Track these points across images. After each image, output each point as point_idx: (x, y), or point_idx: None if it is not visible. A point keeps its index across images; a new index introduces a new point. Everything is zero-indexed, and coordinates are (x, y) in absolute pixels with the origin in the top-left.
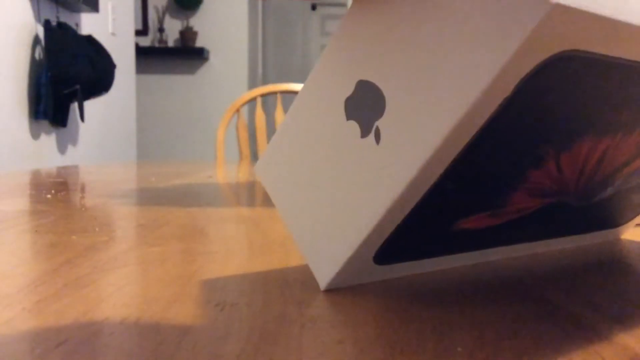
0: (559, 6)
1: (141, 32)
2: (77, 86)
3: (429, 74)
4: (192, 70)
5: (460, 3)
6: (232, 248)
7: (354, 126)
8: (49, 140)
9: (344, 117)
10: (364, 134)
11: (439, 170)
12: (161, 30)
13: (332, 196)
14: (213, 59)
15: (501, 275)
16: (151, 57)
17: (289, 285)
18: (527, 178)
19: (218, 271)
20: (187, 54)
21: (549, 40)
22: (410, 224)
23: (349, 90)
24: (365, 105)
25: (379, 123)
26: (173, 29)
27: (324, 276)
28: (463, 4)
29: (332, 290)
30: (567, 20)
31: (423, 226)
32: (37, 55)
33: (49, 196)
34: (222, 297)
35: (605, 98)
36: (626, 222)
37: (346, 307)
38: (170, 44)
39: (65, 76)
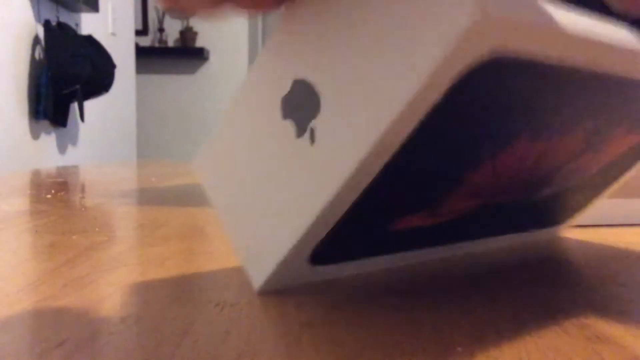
0: (485, 14)
1: (141, 32)
2: (77, 86)
3: (362, 74)
4: (192, 70)
5: (394, 5)
6: (232, 248)
7: (289, 126)
8: (49, 140)
9: (280, 116)
10: (299, 133)
11: (374, 171)
12: (161, 30)
13: (267, 196)
14: (213, 59)
15: (501, 275)
16: (151, 57)
17: (289, 286)
18: (464, 179)
19: (218, 271)
20: (187, 54)
21: (477, 46)
22: (345, 224)
23: (285, 89)
24: (300, 105)
25: (313, 123)
26: (173, 29)
27: (258, 277)
28: (396, 7)
29: (331, 290)
30: (497, 26)
31: (359, 226)
32: (37, 55)
33: (49, 196)
34: (222, 297)
35: (539, 101)
36: (566, 220)
37: (345, 308)
38: (170, 44)
39: (65, 76)
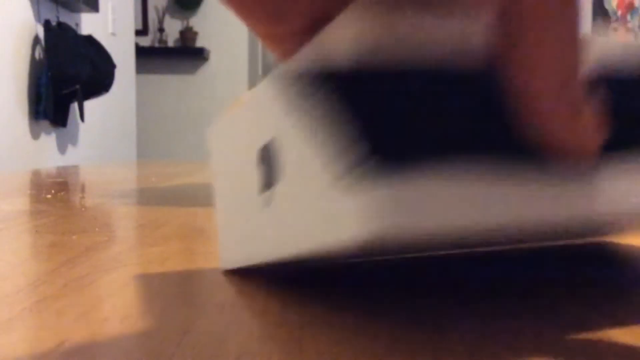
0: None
1: (141, 32)
2: (77, 86)
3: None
4: (192, 70)
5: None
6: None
7: (258, 175)
8: (49, 140)
9: (255, 160)
10: (261, 189)
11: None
12: (161, 30)
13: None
14: (213, 59)
15: (501, 274)
16: (151, 57)
17: (289, 285)
18: None
19: (218, 271)
20: (187, 54)
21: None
22: None
23: (265, 139)
24: (270, 164)
25: (274, 188)
26: (173, 29)
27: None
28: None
29: (332, 291)
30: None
31: None
32: (37, 55)
33: (49, 196)
34: (222, 297)
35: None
36: None
37: (345, 308)
38: (170, 44)
39: (65, 76)
